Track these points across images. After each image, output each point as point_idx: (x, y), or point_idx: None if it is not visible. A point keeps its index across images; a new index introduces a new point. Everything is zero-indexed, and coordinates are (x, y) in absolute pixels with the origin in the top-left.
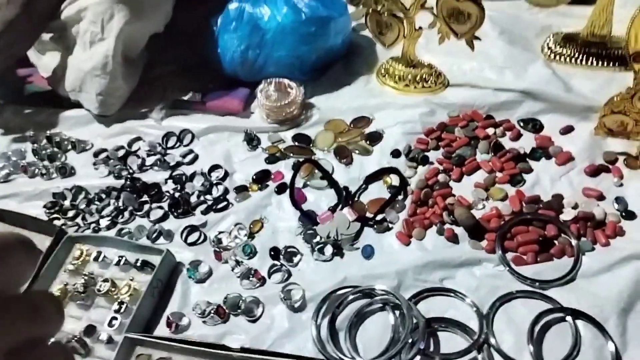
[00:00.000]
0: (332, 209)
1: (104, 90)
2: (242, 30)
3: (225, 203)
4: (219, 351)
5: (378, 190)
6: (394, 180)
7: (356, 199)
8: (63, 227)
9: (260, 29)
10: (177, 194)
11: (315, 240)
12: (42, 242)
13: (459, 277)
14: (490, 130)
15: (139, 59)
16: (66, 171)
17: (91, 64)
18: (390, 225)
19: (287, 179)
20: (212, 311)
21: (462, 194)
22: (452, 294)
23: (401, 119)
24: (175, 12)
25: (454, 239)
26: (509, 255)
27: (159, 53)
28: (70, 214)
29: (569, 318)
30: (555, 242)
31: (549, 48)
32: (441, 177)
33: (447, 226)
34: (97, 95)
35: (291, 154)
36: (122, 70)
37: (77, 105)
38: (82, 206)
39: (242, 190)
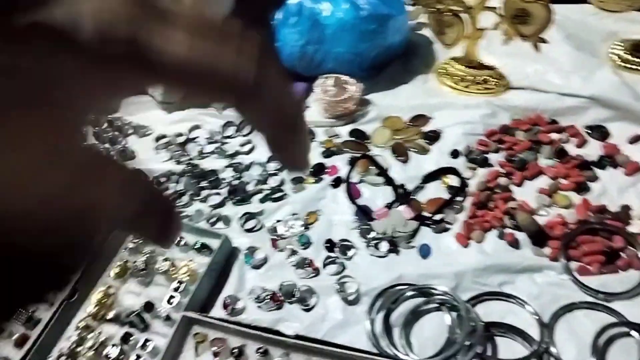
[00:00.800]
0: (388, 206)
1: None
2: (302, 25)
3: (281, 193)
4: (274, 336)
5: (435, 190)
6: (453, 180)
7: (413, 197)
8: None
9: (320, 24)
10: (235, 182)
11: (370, 236)
12: None
13: (519, 283)
14: (554, 135)
15: None
16: (127, 155)
17: None
18: (448, 226)
19: (342, 173)
20: (268, 297)
21: (523, 199)
22: (511, 300)
23: (461, 120)
24: (235, 3)
25: (515, 243)
26: (573, 265)
27: None
28: None
29: (634, 333)
30: (622, 254)
31: (617, 55)
32: (502, 180)
33: (508, 230)
34: None
35: (347, 149)
36: None
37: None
38: None
39: (298, 181)
